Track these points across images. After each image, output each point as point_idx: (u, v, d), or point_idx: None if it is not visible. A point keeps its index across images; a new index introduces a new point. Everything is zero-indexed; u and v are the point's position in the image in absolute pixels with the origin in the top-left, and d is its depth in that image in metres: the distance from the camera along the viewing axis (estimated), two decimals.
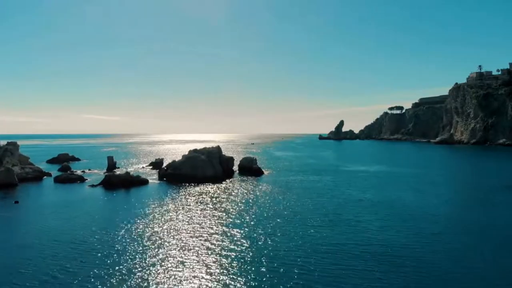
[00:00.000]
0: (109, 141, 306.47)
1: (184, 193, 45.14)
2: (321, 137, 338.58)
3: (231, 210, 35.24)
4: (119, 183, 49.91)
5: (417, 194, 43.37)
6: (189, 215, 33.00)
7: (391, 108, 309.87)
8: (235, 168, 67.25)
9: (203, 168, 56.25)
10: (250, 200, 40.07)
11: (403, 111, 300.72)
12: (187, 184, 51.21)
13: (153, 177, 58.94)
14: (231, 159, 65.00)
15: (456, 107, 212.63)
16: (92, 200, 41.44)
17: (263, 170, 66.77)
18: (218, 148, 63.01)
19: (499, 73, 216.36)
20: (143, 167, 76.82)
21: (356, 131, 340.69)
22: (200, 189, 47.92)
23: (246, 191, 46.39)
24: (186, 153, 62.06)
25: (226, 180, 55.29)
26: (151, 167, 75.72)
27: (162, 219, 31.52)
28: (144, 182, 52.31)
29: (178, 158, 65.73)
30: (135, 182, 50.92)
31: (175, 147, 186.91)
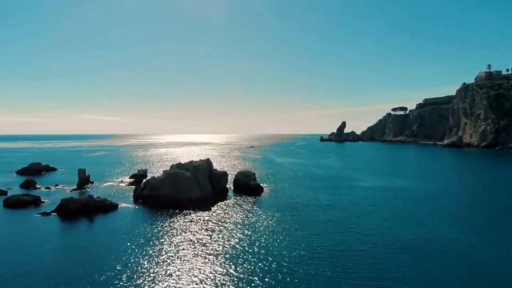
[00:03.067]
0: (104, 143, 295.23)
1: (159, 225, 34.55)
2: (322, 139, 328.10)
3: (214, 256, 24.74)
4: (79, 209, 39.20)
5: (472, 233, 32.69)
6: (159, 266, 22.51)
7: (394, 109, 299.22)
8: (230, 184, 56.54)
9: (187, 187, 45.65)
10: (243, 237, 29.61)
11: (407, 112, 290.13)
12: (167, 210, 40.55)
13: (127, 198, 48.34)
14: (224, 176, 53.98)
15: (464, 108, 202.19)
16: (34, 237, 30.80)
17: (262, 186, 56.27)
18: (208, 162, 52.21)
19: (509, 72, 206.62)
20: (121, 180, 66.10)
21: (357, 131, 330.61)
22: (181, 218, 37.38)
23: (239, 221, 35.84)
24: (180, 159, 51.58)
25: (217, 203, 44.58)
26: (132, 180, 65.17)
27: (122, 272, 21.05)
28: (112, 207, 41.59)
29: (165, 168, 55.61)
30: (99, 208, 40.30)
31: (170, 151, 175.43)
